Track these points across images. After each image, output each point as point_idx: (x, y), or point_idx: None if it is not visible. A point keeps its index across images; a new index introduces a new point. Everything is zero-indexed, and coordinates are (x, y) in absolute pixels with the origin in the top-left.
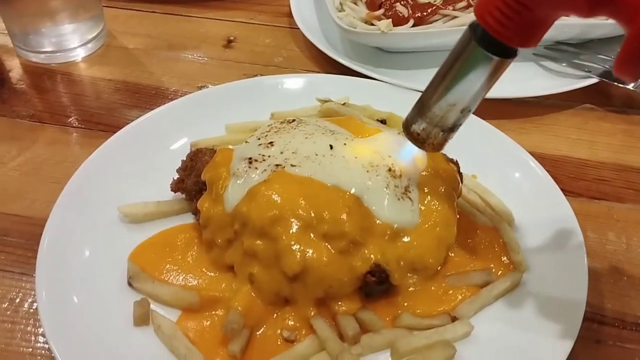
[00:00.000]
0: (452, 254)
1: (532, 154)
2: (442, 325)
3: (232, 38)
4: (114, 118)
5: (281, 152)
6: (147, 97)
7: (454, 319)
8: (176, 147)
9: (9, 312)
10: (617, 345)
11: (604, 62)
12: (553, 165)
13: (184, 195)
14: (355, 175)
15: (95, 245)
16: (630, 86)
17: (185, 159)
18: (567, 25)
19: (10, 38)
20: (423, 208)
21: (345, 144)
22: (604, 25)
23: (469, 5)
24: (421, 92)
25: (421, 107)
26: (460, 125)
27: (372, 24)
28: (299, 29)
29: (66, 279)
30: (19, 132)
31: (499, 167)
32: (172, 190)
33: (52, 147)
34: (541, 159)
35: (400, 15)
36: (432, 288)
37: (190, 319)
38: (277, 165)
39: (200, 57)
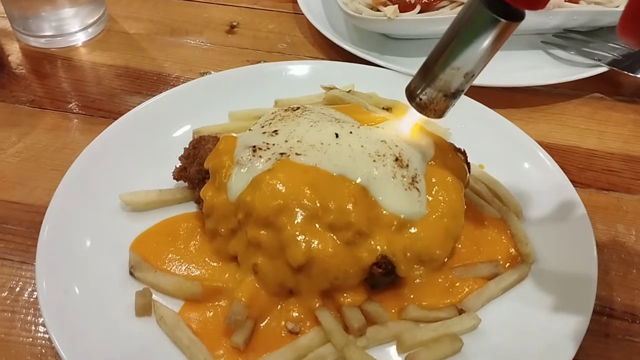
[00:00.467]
0: (459, 246)
1: (540, 143)
2: (449, 318)
3: (235, 23)
4: (115, 104)
5: (286, 141)
6: (148, 83)
7: (460, 312)
8: (178, 134)
9: (8, 301)
10: (627, 339)
11: (614, 51)
12: (561, 155)
13: (186, 184)
14: (361, 164)
15: (97, 234)
16: None
17: (187, 146)
18: (577, 12)
19: (10, 21)
20: (430, 199)
21: (351, 132)
22: (613, 12)
23: None
24: None
25: (425, 71)
26: (463, 91)
27: (378, 10)
28: (303, 14)
29: (67, 268)
30: (19, 117)
31: (507, 157)
32: (174, 178)
33: (52, 134)
34: (549, 148)
35: (407, 1)
36: (439, 280)
37: (193, 310)
38: (281, 153)
39: (202, 42)
